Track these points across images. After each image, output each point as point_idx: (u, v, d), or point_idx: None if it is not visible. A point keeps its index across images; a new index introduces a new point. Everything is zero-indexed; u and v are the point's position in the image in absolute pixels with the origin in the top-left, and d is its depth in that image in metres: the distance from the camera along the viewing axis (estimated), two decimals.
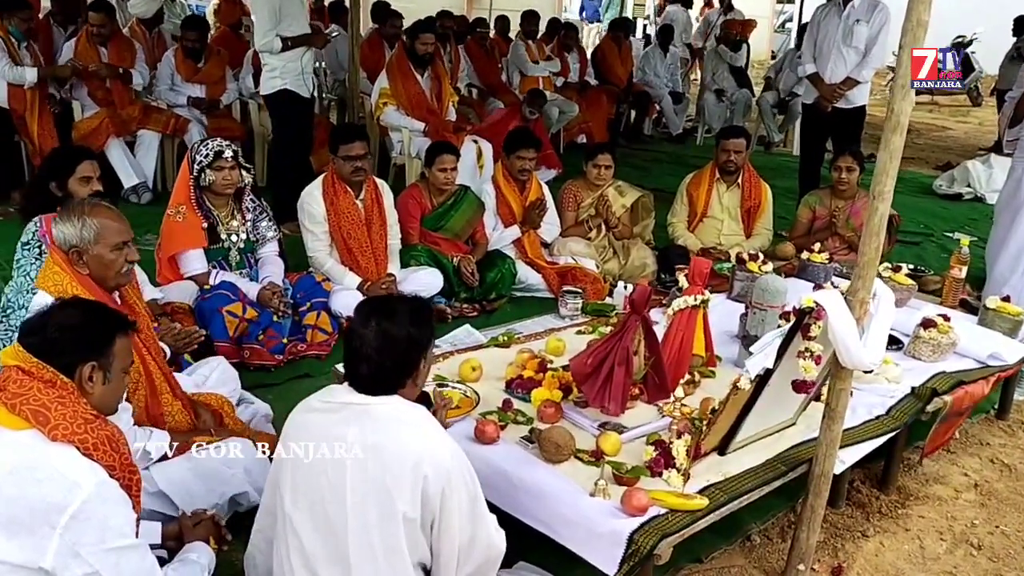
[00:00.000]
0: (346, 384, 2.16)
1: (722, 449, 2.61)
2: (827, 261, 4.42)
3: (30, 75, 6.19)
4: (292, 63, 5.90)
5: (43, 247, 3.16)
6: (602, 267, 5.39)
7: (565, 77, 10.01)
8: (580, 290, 3.76)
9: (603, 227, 5.55)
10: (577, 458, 2.52)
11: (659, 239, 5.88)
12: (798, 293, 4.00)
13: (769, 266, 4.03)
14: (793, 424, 2.85)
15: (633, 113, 11.19)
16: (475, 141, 6.73)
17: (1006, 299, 3.97)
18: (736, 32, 11.05)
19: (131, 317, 2.36)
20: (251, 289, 4.16)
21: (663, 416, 2.76)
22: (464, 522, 2.07)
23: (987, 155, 8.52)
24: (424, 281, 4.72)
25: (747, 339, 3.26)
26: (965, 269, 4.20)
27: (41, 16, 7.42)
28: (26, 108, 6.19)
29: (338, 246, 4.58)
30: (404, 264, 4.78)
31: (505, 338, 3.32)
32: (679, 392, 2.48)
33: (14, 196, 5.94)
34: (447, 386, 2.91)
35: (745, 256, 4.03)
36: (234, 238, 4.27)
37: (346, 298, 4.43)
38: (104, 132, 6.41)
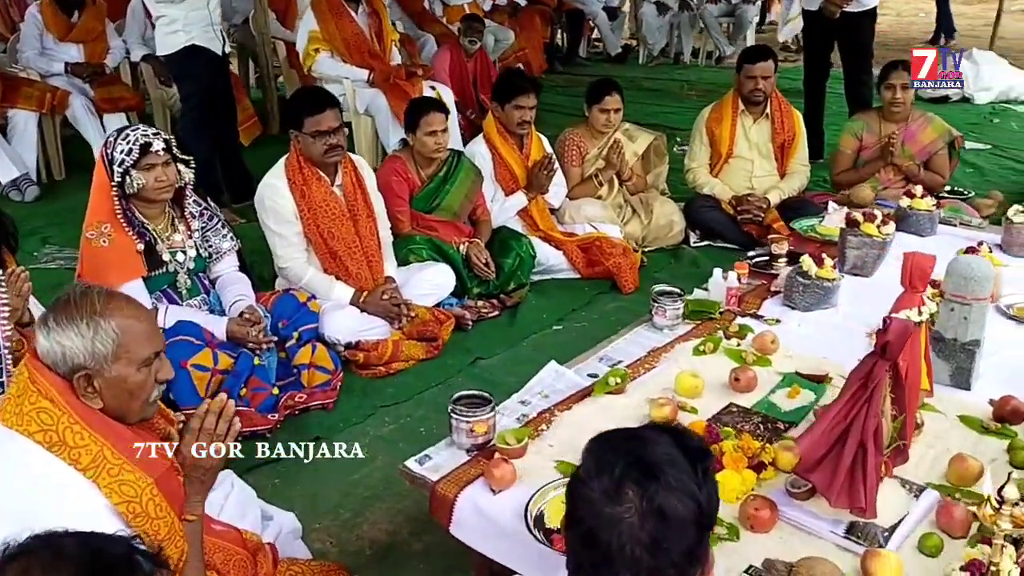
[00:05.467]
0: None
1: None
2: (934, 208, 3.61)
3: None
4: (197, 11, 4.71)
5: None
6: (624, 231, 4.48)
7: (494, 1, 8.90)
8: (679, 290, 2.85)
9: (615, 181, 4.63)
10: None
11: (673, 188, 5.00)
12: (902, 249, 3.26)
13: (891, 227, 3.20)
14: None
15: (566, 35, 10.17)
16: (432, 88, 5.63)
17: None
18: None
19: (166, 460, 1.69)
20: (217, 325, 3.10)
21: (911, 492, 1.91)
22: None
23: (970, 51, 7.88)
24: (433, 282, 3.71)
25: (942, 344, 2.42)
26: None
27: None
28: None
29: (318, 250, 3.50)
30: (401, 261, 3.75)
31: (617, 379, 2.39)
32: (1012, 492, 1.62)
33: None
34: None
35: (859, 216, 3.18)
36: (180, 257, 3.16)
37: (341, 319, 3.40)
38: None
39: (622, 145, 4.52)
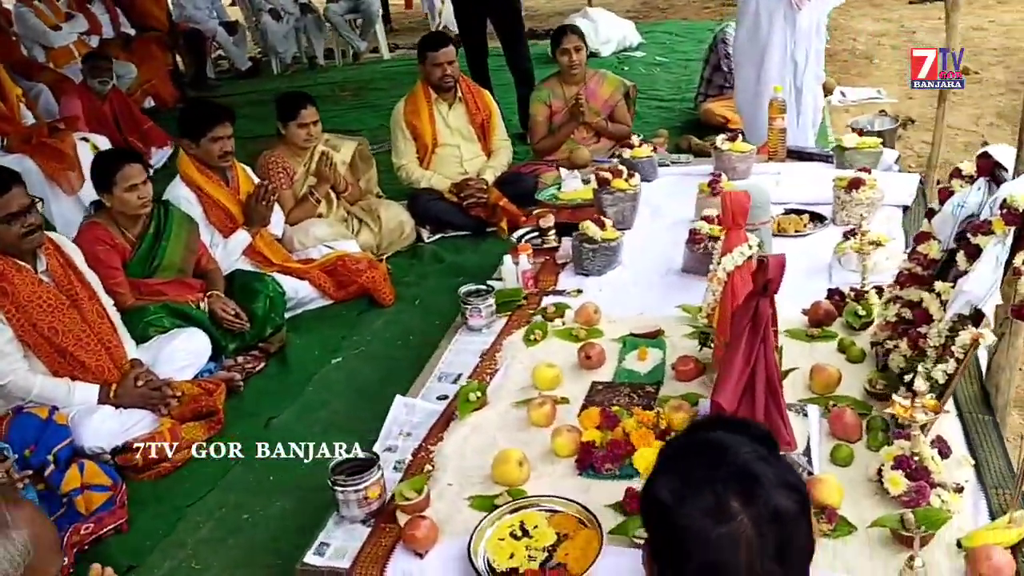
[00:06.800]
0: None
1: None
2: (653, 154, 3.86)
3: None
4: None
5: None
6: (358, 243, 4.28)
7: (99, 35, 8.04)
8: (488, 287, 2.75)
9: (332, 195, 4.39)
10: (826, 535, 1.68)
11: (384, 189, 4.86)
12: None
13: (637, 178, 3.36)
14: None
15: (188, 59, 9.47)
16: (85, 139, 4.92)
17: (860, 132, 3.82)
18: None
19: None
20: None
21: (799, 413, 2.01)
22: None
23: (583, 9, 8.57)
24: (187, 350, 3.25)
25: None
26: (787, 116, 3.92)
27: None
28: None
29: (40, 352, 2.88)
30: (142, 338, 3.23)
31: (477, 394, 2.24)
32: (922, 384, 1.73)
33: None
34: (524, 510, 1.82)
35: (607, 175, 3.29)
36: None
37: (98, 424, 2.86)
38: None
39: (331, 156, 4.29)
